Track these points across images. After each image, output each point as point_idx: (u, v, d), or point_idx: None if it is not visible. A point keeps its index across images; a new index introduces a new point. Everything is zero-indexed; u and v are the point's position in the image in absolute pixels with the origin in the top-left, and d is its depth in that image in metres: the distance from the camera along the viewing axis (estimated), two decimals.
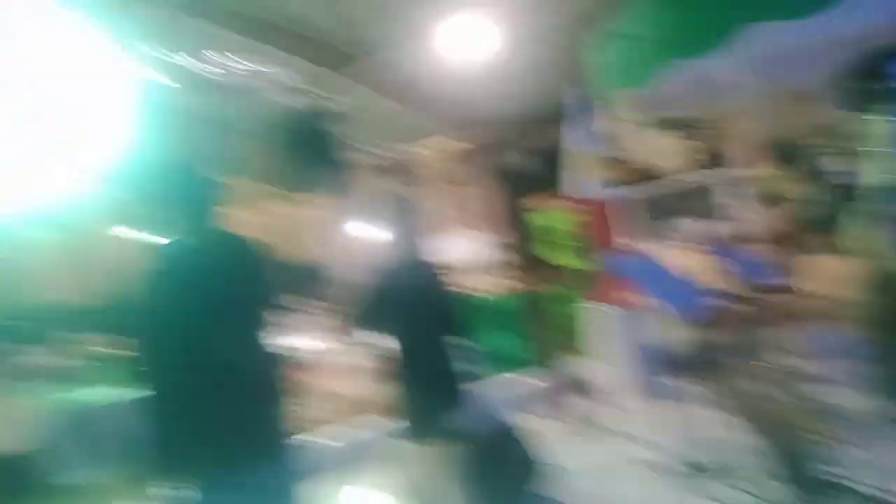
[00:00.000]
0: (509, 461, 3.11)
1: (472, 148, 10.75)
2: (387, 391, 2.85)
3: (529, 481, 3.44)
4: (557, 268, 5.85)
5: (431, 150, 14.10)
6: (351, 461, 4.48)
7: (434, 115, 13.53)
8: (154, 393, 2.03)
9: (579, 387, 5.18)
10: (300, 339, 11.22)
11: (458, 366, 2.84)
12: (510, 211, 7.95)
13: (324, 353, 10.31)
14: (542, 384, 5.34)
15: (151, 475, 2.04)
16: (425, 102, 12.56)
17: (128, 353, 2.08)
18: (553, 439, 4.29)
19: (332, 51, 10.95)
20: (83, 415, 3.23)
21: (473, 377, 2.91)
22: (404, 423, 2.76)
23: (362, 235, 6.09)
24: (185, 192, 2.20)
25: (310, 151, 6.77)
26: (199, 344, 2.01)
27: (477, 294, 11.37)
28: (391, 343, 2.78)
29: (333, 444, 4.83)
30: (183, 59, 6.22)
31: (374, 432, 4.74)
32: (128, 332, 2.08)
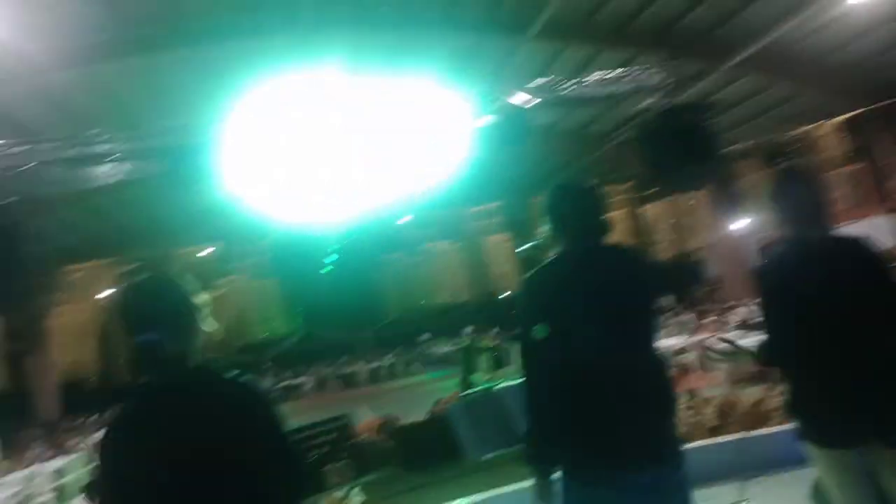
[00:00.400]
0: None
1: (871, 117, 9.97)
2: (782, 391, 2.57)
3: None
4: None
5: (822, 130, 13.56)
6: (744, 468, 4.21)
7: (830, 90, 13.36)
8: (547, 388, 2.13)
9: None
10: (682, 340, 11.34)
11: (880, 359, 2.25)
12: None
13: (706, 354, 10.24)
14: None
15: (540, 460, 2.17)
16: (823, 78, 12.42)
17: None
18: None
19: (708, 45, 11.29)
20: (486, 398, 3.63)
21: None
22: (806, 426, 2.39)
23: (745, 228, 5.74)
24: (576, 205, 2.29)
25: (684, 148, 6.60)
26: (590, 347, 2.06)
27: None
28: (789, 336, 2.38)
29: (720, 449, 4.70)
30: (541, 81, 6.42)
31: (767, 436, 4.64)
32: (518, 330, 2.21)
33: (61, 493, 8.48)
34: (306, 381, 18.94)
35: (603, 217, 2.31)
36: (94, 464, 1.56)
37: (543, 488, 2.15)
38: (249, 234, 13.30)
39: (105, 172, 5.92)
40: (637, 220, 18.37)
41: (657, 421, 2.11)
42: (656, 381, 2.18)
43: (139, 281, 1.74)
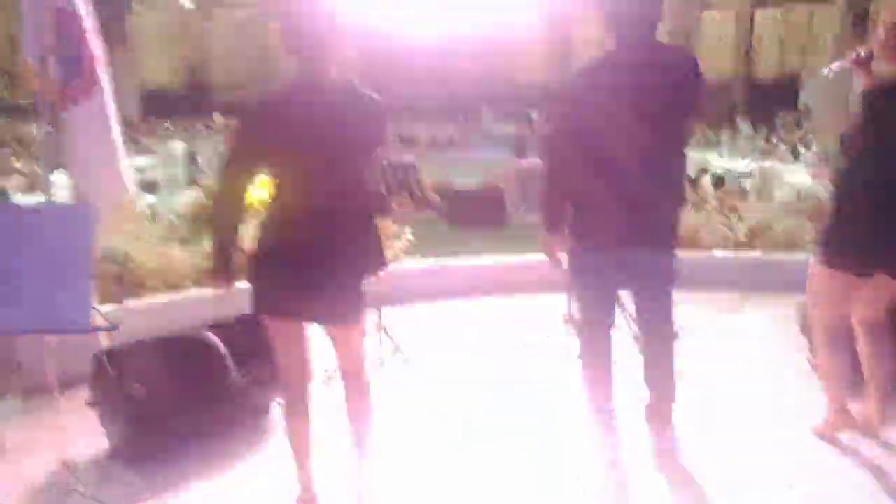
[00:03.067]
0: None
1: None
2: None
3: None
4: None
5: None
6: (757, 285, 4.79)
7: None
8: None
9: None
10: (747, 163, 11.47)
11: None
12: None
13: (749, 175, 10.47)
14: None
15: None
16: None
17: None
18: None
19: None
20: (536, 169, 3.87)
21: None
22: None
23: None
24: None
25: None
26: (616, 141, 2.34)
27: None
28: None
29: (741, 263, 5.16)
30: None
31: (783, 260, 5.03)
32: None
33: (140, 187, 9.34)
34: None
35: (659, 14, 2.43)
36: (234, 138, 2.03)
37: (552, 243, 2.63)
38: None
39: None
40: (742, 24, 16.85)
41: (659, 213, 2.46)
42: (670, 181, 2.48)
43: None
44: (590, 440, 2.72)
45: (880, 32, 2.50)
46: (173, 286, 4.16)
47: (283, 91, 2.07)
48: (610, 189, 2.41)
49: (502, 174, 7.45)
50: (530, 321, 4.18)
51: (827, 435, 2.80)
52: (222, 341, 2.91)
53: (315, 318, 2.11)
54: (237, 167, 2.04)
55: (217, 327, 2.98)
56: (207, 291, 4.14)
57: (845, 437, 2.77)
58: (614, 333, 2.69)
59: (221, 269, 2.08)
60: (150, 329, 3.01)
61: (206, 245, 4.70)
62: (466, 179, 9.24)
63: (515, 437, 2.92)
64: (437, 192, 8.78)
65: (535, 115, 21.77)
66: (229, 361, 2.87)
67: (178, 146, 15.94)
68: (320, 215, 2.00)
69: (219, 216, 2.18)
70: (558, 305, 3.84)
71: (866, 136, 2.48)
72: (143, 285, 4.01)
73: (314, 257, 2.00)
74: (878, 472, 2.58)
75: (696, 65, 2.49)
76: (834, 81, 2.87)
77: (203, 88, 17.06)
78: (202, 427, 2.82)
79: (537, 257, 5.21)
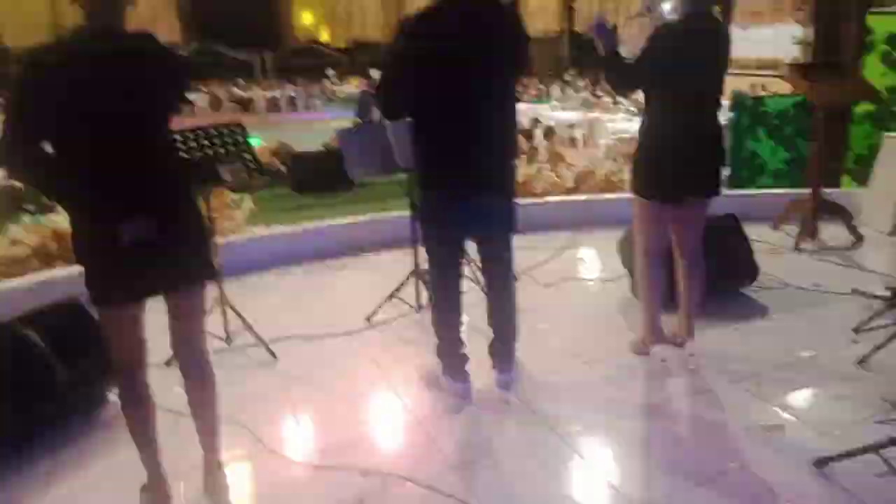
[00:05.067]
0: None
1: None
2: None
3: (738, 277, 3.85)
4: (873, 87, 5.08)
5: None
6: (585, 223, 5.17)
7: None
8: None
9: (836, 211, 4.92)
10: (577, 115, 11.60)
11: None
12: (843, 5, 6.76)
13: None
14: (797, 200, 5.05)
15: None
16: None
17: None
18: (777, 252, 4.62)
19: None
20: (373, 127, 3.84)
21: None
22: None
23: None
24: None
25: None
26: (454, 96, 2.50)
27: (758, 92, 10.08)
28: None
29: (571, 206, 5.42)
30: None
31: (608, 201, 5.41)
32: None
33: None
34: (199, 97, 18.18)
35: None
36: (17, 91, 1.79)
37: None
38: None
39: None
40: None
41: (495, 160, 2.65)
42: (503, 130, 2.65)
43: None
44: (441, 381, 2.90)
45: None
46: None
47: (71, 43, 1.86)
48: (449, 137, 2.53)
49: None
50: (378, 282, 4.18)
51: (640, 351, 3.18)
52: (41, 334, 2.65)
53: (158, 289, 2.01)
54: (25, 127, 1.79)
55: (32, 320, 2.70)
56: (20, 281, 3.76)
57: (657, 349, 3.13)
58: (461, 280, 2.84)
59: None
60: None
61: (14, 231, 4.23)
62: (308, 143, 9.00)
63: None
64: (278, 156, 8.53)
65: (374, 73, 21.57)
66: (52, 358, 2.63)
67: None
68: (129, 182, 1.86)
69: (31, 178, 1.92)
70: (404, 261, 3.93)
71: (653, 75, 2.76)
72: None
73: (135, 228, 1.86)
74: (687, 375, 3.02)
75: (516, 18, 2.65)
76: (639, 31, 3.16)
77: None
78: (29, 431, 2.57)
79: (380, 216, 5.29)
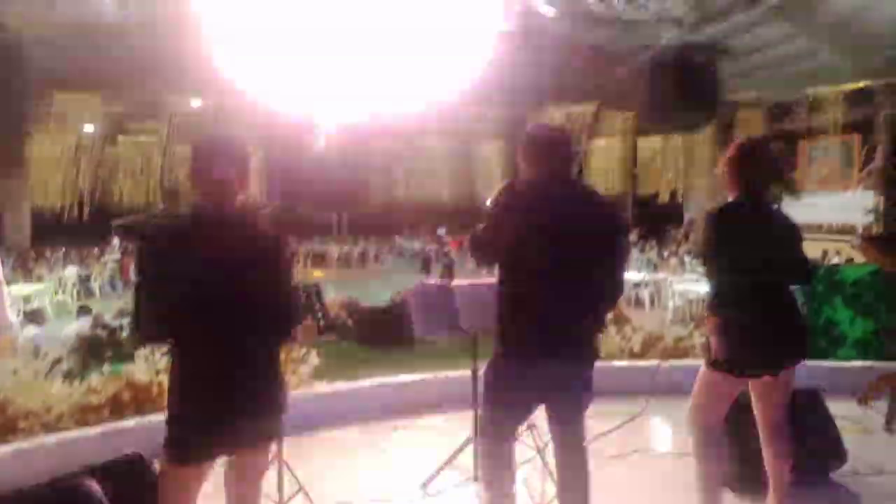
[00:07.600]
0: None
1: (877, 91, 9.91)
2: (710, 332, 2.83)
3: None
4: None
5: (827, 94, 13.57)
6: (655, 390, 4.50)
7: (849, 54, 12.99)
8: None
9: None
10: (642, 275, 12.16)
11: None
12: None
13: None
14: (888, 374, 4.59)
15: None
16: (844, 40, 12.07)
17: None
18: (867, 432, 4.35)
19: None
20: (440, 289, 3.86)
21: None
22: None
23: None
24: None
25: (684, 86, 6.57)
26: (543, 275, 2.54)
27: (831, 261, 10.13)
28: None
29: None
30: None
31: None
32: None
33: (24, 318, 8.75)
34: None
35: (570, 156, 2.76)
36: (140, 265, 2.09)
37: None
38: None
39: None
40: (631, 150, 18.62)
41: (581, 331, 2.62)
42: (592, 305, 2.64)
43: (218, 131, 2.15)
44: None
45: (720, 165, 2.86)
46: (51, 427, 3.83)
47: (191, 221, 2.10)
48: (536, 303, 2.53)
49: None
50: (437, 445, 4.06)
51: None
52: (103, 489, 2.67)
53: (237, 446, 2.05)
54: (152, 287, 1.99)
55: (96, 472, 2.74)
56: (89, 431, 3.87)
57: None
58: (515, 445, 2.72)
59: None
60: (22, 477, 2.73)
61: (93, 380, 4.43)
62: (376, 297, 9.28)
63: None
64: (345, 310, 8.81)
65: (443, 231, 22.56)
66: None
67: (70, 272, 15.18)
68: (234, 351, 1.99)
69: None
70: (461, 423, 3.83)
71: (720, 253, 2.76)
72: (15, 429, 3.68)
73: (238, 388, 1.98)
74: None
75: (616, 210, 2.87)
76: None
77: (101, 214, 16.61)
78: None
79: (443, 374, 5.24)
